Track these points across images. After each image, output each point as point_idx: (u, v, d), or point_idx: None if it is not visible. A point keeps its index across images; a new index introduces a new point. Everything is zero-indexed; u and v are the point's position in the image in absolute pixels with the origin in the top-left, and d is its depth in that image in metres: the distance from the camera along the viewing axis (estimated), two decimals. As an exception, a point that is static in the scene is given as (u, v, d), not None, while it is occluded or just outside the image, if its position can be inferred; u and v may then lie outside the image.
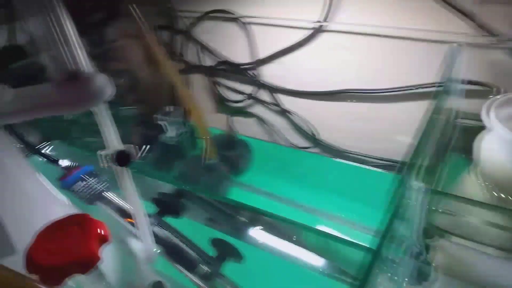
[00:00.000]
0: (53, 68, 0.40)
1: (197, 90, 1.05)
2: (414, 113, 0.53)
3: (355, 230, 0.77)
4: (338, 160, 0.89)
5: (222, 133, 0.99)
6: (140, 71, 1.05)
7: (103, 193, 0.65)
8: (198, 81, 1.04)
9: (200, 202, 0.64)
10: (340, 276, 0.54)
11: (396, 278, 0.49)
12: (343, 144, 0.89)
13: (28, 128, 0.77)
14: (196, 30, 0.96)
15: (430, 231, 0.50)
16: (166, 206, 0.64)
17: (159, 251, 0.55)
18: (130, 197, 0.48)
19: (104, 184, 0.65)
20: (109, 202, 0.63)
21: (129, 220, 0.62)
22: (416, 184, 0.47)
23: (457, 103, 0.69)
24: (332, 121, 0.88)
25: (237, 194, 0.88)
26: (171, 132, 0.94)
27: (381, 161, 0.85)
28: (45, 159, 0.68)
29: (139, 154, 0.99)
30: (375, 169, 0.85)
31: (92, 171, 0.68)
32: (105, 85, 0.42)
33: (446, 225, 0.52)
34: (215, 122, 1.05)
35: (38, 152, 0.70)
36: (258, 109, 0.98)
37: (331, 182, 0.85)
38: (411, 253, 0.50)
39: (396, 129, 0.81)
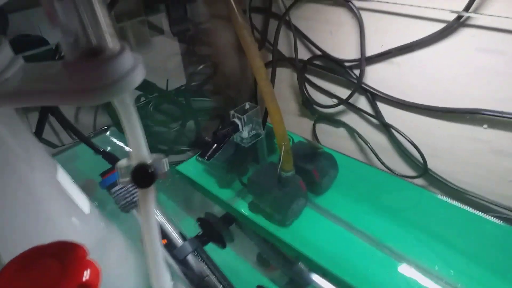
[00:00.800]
0: (66, 43, 0.28)
1: (283, 86, 0.89)
2: None
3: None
4: (450, 201, 0.67)
5: (304, 141, 0.83)
6: (224, 59, 0.94)
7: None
8: (286, 76, 0.88)
9: (252, 234, 0.49)
10: None
11: None
12: (461, 182, 0.67)
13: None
14: (294, 15, 0.80)
15: None
16: (210, 231, 0.51)
17: None
18: (147, 227, 0.35)
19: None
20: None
21: (164, 241, 0.50)
22: None
23: None
24: (451, 148, 0.66)
25: (311, 217, 0.72)
26: (245, 133, 0.82)
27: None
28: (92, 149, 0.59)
29: (212, 152, 0.89)
30: (501, 222, 0.62)
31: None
32: (134, 67, 0.29)
33: None
34: (298, 127, 0.90)
35: (84, 139, 0.61)
36: (352, 119, 0.79)
37: (434, 228, 0.65)
38: None
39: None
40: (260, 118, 0.82)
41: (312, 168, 0.75)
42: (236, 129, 0.81)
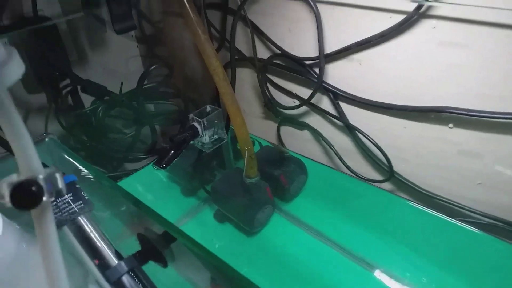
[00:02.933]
0: None
1: (245, 87, 0.84)
2: None
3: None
4: (417, 205, 0.63)
5: (270, 145, 0.78)
6: (182, 59, 0.89)
7: (78, 217, 0.48)
8: (247, 76, 0.83)
9: (198, 254, 0.44)
10: None
11: None
12: (429, 185, 0.63)
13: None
14: (251, 10, 0.75)
15: None
16: (150, 249, 0.45)
17: None
18: (45, 254, 0.29)
19: (81, 204, 0.48)
20: (79, 231, 0.46)
21: (98, 261, 0.44)
22: None
23: None
24: (417, 150, 0.62)
25: (279, 225, 0.68)
26: (206, 137, 0.77)
27: (485, 219, 0.58)
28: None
29: (168, 160, 0.83)
30: (472, 228, 0.58)
31: (74, 182, 0.51)
32: (5, 61, 0.24)
33: None
34: (263, 130, 0.85)
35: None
36: (315, 120, 0.75)
37: (402, 233, 0.62)
38: None
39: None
40: (223, 121, 0.77)
41: (280, 174, 0.71)
42: (195, 133, 0.76)
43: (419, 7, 0.52)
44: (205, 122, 0.74)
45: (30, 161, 0.27)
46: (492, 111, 0.52)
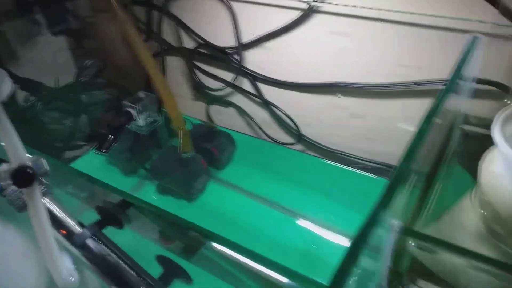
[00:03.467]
0: None
1: (173, 74, 0.95)
2: (415, 113, 0.42)
3: (335, 236, 0.69)
4: (323, 159, 0.80)
5: (201, 123, 0.90)
6: (111, 52, 0.95)
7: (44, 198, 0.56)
8: (175, 64, 0.93)
9: (150, 214, 0.55)
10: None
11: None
12: (329, 143, 0.80)
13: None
14: (175, 6, 0.84)
15: (399, 273, 0.41)
16: (108, 216, 0.55)
17: (73, 279, 0.47)
18: (38, 223, 0.39)
19: (43, 187, 0.57)
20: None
21: (63, 231, 0.54)
22: (389, 222, 0.37)
23: (467, 105, 0.59)
24: (319, 117, 0.78)
25: (215, 190, 0.80)
26: (141, 121, 0.85)
27: (371, 164, 0.76)
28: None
29: (107, 144, 0.90)
30: (363, 172, 0.76)
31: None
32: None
33: (422, 265, 0.43)
34: (193, 111, 0.96)
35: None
36: (239, 99, 0.88)
37: (314, 183, 0.76)
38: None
39: (387, 127, 0.71)
40: (156, 105, 0.86)
41: (211, 146, 0.83)
42: (130, 118, 0.84)
43: (310, 6, 0.67)
44: (140, 107, 0.83)
45: (19, 152, 0.37)
46: (369, 83, 0.68)
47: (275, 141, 0.86)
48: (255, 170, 0.83)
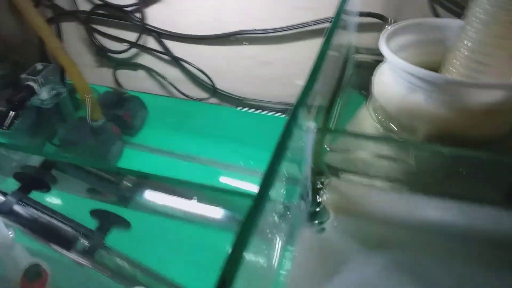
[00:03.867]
0: None
1: (72, 42, 0.90)
2: (311, 51, 0.49)
3: (257, 173, 0.75)
4: (237, 108, 0.84)
5: (110, 90, 0.87)
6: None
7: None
8: (71, 31, 0.88)
9: (75, 171, 0.55)
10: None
11: (288, 220, 0.47)
12: (241, 92, 0.84)
13: None
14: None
15: (320, 171, 0.48)
16: (31, 181, 0.53)
17: (12, 235, 0.46)
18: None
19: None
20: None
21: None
22: (305, 123, 0.43)
23: (353, 38, 0.67)
24: (229, 68, 0.82)
25: (131, 155, 0.79)
26: (44, 94, 0.80)
27: (280, 106, 0.82)
28: None
29: (9, 121, 0.83)
30: (277, 114, 0.82)
31: None
32: None
33: (338, 163, 0.51)
34: (99, 78, 0.92)
35: None
36: (147, 59, 0.87)
37: (232, 132, 0.80)
38: (303, 194, 0.48)
39: (293, 70, 0.77)
40: (59, 76, 0.81)
41: (122, 113, 0.81)
42: (32, 92, 0.79)
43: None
44: (41, 79, 0.78)
45: None
46: (269, 28, 0.74)
47: (190, 98, 0.88)
48: (171, 129, 0.85)
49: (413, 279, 0.42)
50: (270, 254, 0.40)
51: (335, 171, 0.48)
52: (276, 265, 0.41)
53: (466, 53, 0.44)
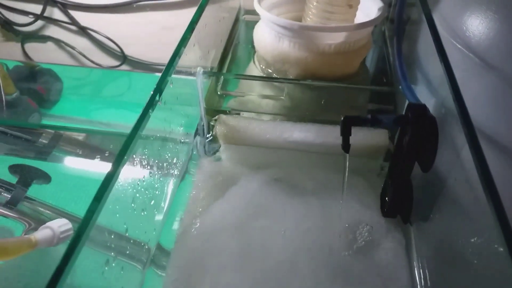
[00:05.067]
0: None
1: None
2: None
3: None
4: (149, 73, 0.90)
5: (20, 64, 0.88)
6: None
7: None
8: (-29, 4, 0.88)
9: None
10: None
11: (190, 152, 0.56)
12: (151, 57, 0.90)
13: None
14: None
15: (216, 110, 0.58)
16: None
17: None
18: None
19: None
20: None
21: None
22: (194, 68, 0.53)
23: (242, 1, 0.76)
24: (135, 34, 0.87)
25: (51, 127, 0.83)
26: None
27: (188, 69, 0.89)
28: None
29: None
30: (185, 76, 0.89)
31: None
32: None
33: (234, 105, 0.61)
34: (8, 52, 0.93)
35: None
36: (54, 31, 0.90)
37: (139, 96, 0.85)
38: (199, 131, 0.57)
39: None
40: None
41: (37, 86, 0.84)
42: None
43: None
44: None
45: None
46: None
47: (102, 66, 0.93)
48: (87, 98, 0.89)
49: (287, 187, 0.53)
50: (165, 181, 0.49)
51: (231, 111, 0.57)
52: (170, 192, 0.50)
53: (315, 4, 0.55)
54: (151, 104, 0.38)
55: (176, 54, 0.45)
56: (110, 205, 0.31)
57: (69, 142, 0.69)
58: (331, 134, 0.53)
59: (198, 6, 0.53)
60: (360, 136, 0.52)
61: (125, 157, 0.34)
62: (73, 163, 0.66)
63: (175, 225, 0.49)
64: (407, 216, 0.46)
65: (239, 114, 0.59)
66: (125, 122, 0.82)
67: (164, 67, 0.80)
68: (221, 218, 0.49)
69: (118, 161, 0.33)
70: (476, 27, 0.47)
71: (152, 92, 0.40)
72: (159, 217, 0.47)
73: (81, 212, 0.60)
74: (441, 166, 0.40)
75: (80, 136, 0.73)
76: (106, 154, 0.66)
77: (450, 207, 0.40)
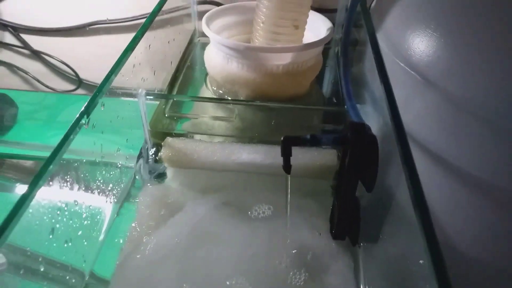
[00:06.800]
0: None
1: None
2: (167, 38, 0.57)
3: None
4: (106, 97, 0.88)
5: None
6: None
7: None
8: None
9: None
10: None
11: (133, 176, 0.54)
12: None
13: None
14: None
15: (163, 133, 0.56)
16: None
17: None
18: None
19: None
20: None
21: None
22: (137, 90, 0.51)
23: (196, 24, 0.76)
24: (90, 58, 0.85)
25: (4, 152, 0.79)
26: None
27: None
28: None
29: None
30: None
31: None
32: None
33: (186, 127, 0.59)
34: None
35: None
36: (7, 56, 0.87)
37: (104, 118, 0.84)
38: (143, 154, 0.55)
39: (155, 56, 0.84)
40: None
41: (-12, 112, 0.81)
42: None
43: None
44: None
45: None
46: (121, 18, 0.79)
47: (56, 91, 0.90)
48: (43, 123, 0.86)
49: (235, 211, 0.51)
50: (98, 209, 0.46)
51: (180, 134, 0.56)
52: (107, 220, 0.47)
53: (261, 25, 0.54)
54: (74, 127, 0.36)
55: (109, 76, 0.43)
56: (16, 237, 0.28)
57: (14, 169, 0.66)
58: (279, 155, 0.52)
59: (140, 27, 0.52)
60: (309, 156, 0.50)
61: (40, 182, 0.31)
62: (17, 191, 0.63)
63: (115, 255, 0.46)
64: (355, 237, 0.45)
65: (192, 136, 0.58)
66: (81, 147, 0.79)
67: (122, 90, 0.79)
68: (163, 246, 0.47)
69: (30, 189, 0.30)
70: (416, 45, 0.47)
71: (78, 115, 0.38)
72: (91, 248, 0.44)
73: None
74: (387, 185, 0.39)
75: (27, 163, 0.70)
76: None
77: (396, 227, 0.38)
